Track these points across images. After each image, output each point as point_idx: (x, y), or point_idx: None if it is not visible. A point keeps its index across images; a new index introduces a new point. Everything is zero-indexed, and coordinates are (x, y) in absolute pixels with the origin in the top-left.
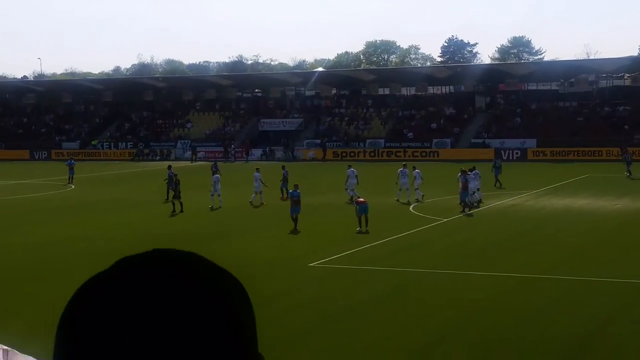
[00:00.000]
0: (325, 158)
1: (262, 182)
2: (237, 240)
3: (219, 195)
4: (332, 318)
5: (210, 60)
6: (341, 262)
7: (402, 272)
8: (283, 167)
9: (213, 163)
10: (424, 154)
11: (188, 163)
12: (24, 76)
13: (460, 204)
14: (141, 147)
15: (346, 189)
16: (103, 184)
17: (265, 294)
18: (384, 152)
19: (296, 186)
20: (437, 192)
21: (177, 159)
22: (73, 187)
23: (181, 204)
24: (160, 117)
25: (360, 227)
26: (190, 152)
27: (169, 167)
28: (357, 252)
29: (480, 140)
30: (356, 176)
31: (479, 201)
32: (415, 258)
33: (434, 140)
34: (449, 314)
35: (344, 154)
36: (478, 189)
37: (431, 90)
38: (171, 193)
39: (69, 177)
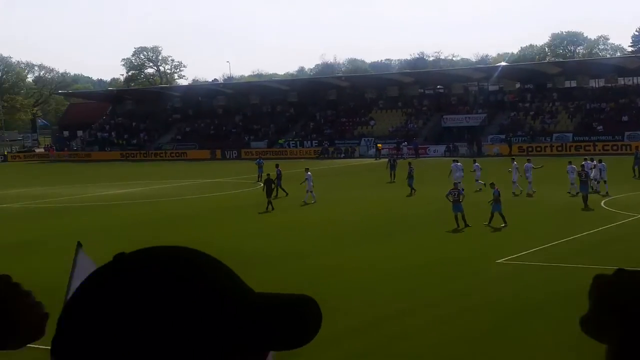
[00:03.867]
0: (511, 153)
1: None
2: (411, 238)
3: (311, 192)
4: (519, 316)
5: (392, 58)
6: (530, 258)
7: (594, 270)
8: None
9: (390, 158)
10: (615, 147)
11: (372, 160)
12: (215, 79)
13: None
14: (326, 145)
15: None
16: (289, 182)
17: (453, 291)
18: (571, 146)
19: (456, 184)
20: (631, 187)
21: (361, 156)
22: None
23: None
24: (343, 116)
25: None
26: (375, 150)
27: (277, 165)
28: (546, 249)
29: None
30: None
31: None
32: (608, 255)
33: (626, 133)
34: None
35: (529, 149)
36: (600, 181)
37: (622, 81)
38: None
39: (259, 175)
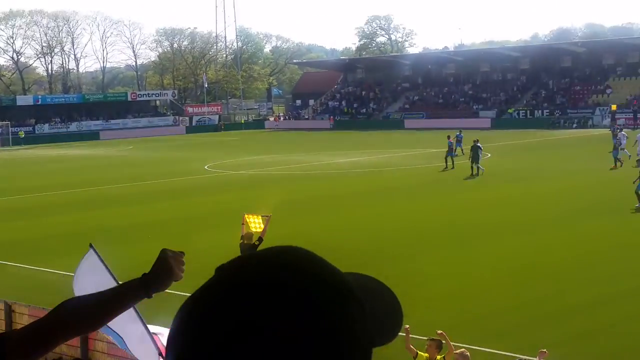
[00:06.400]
0: None
1: None
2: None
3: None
4: None
5: (634, 22)
6: None
7: None
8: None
9: (612, 127)
10: None
11: (607, 131)
12: (445, 47)
13: None
14: (557, 114)
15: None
16: (517, 152)
17: None
18: None
19: None
20: None
21: (594, 126)
22: (489, 155)
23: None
24: (578, 84)
25: None
26: (610, 119)
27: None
28: None
29: None
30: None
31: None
32: None
33: None
34: None
35: None
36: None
37: None
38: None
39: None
